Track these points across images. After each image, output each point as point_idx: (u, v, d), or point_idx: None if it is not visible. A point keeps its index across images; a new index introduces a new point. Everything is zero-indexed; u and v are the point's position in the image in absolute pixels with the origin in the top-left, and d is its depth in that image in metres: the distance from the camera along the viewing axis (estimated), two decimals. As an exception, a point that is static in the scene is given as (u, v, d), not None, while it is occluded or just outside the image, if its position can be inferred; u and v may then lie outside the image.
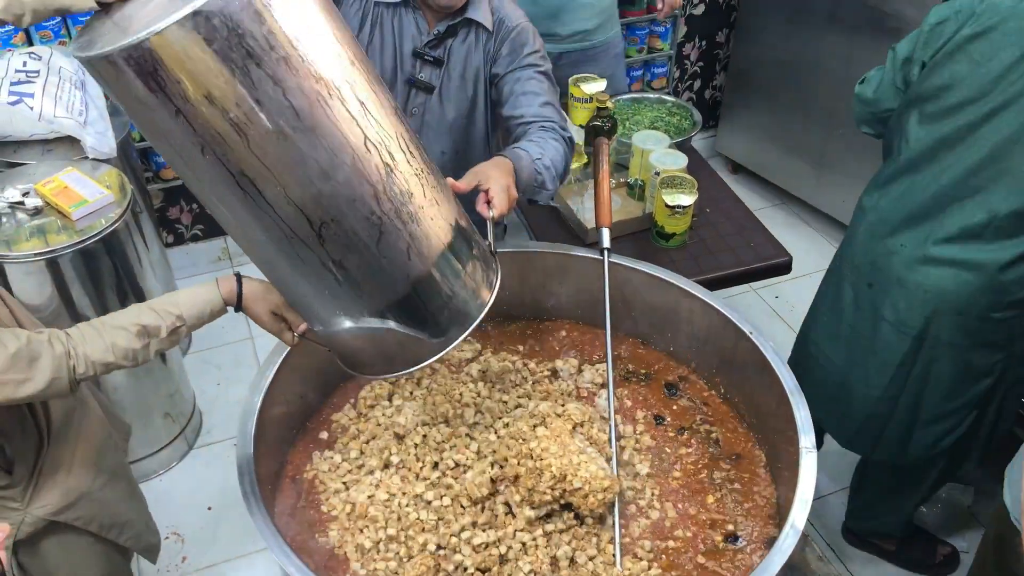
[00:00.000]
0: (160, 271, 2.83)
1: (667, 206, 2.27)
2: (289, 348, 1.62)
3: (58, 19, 2.69)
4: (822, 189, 3.58)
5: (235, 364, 3.08)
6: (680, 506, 1.56)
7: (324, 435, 1.72)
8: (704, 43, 3.79)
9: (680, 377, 1.86)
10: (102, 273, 2.29)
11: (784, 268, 2.39)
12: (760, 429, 1.68)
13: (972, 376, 1.96)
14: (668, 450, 1.67)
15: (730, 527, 1.52)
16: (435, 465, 1.58)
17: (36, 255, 2.15)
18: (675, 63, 3.74)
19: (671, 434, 1.71)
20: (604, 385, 1.78)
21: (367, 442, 1.66)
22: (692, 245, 2.36)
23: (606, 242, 1.86)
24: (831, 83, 3.36)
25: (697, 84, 3.91)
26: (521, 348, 1.94)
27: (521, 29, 1.90)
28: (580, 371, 1.85)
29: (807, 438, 1.45)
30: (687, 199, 2.25)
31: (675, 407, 1.78)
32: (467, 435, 1.62)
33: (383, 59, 1.88)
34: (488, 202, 1.55)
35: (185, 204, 3.30)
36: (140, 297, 2.43)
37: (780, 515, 1.52)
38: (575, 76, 2.70)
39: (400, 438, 1.64)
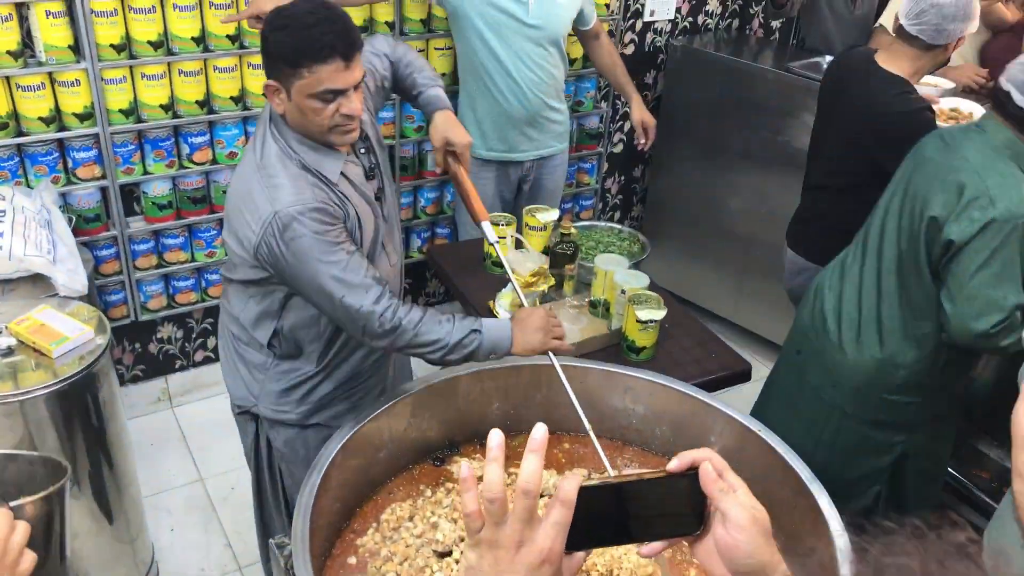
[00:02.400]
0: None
1: (639, 321, 2.43)
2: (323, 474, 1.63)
3: (16, 159, 2.67)
4: (742, 307, 3.87)
5: (186, 508, 2.95)
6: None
7: (352, 560, 1.71)
8: (623, 178, 4.10)
9: None
10: (76, 414, 2.21)
11: (745, 375, 2.56)
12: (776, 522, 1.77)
13: (871, 451, 2.20)
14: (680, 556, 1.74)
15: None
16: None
17: (11, 396, 2.06)
18: (599, 197, 4.02)
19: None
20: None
21: (401, 563, 1.65)
22: (659, 358, 2.52)
23: (492, 236, 1.98)
24: (746, 211, 3.71)
25: (617, 215, 4.20)
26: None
27: (370, 68, 2.01)
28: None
29: (836, 522, 1.57)
30: (658, 314, 2.42)
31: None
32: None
33: (364, 219, 1.87)
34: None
35: (128, 344, 3.22)
36: (106, 441, 2.33)
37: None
38: (529, 207, 2.89)
39: (442, 556, 1.64)
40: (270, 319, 1.90)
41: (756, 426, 1.81)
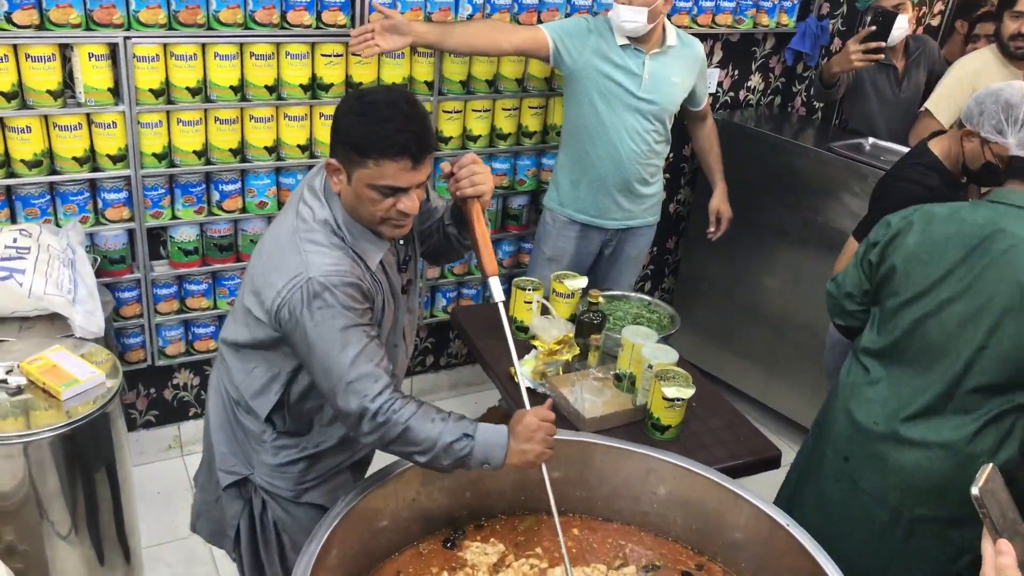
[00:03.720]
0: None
1: (665, 398, 2.33)
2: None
3: (47, 197, 2.67)
4: (772, 388, 3.75)
5: (187, 561, 2.85)
6: None
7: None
8: (656, 248, 4.04)
9: (697, 566, 1.83)
10: (80, 458, 2.15)
11: (774, 462, 2.45)
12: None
13: (953, 552, 2.04)
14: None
15: None
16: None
17: (15, 436, 2.01)
18: (631, 266, 3.96)
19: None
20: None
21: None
22: (684, 438, 2.41)
23: (498, 294, 1.81)
24: (779, 289, 3.62)
25: (648, 286, 4.13)
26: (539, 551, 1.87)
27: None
28: None
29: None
30: (686, 392, 2.33)
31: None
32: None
33: (390, 306, 1.83)
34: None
35: (143, 388, 3.17)
36: (108, 487, 2.27)
37: None
38: (557, 272, 2.83)
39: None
40: (276, 389, 1.82)
41: (784, 519, 1.70)
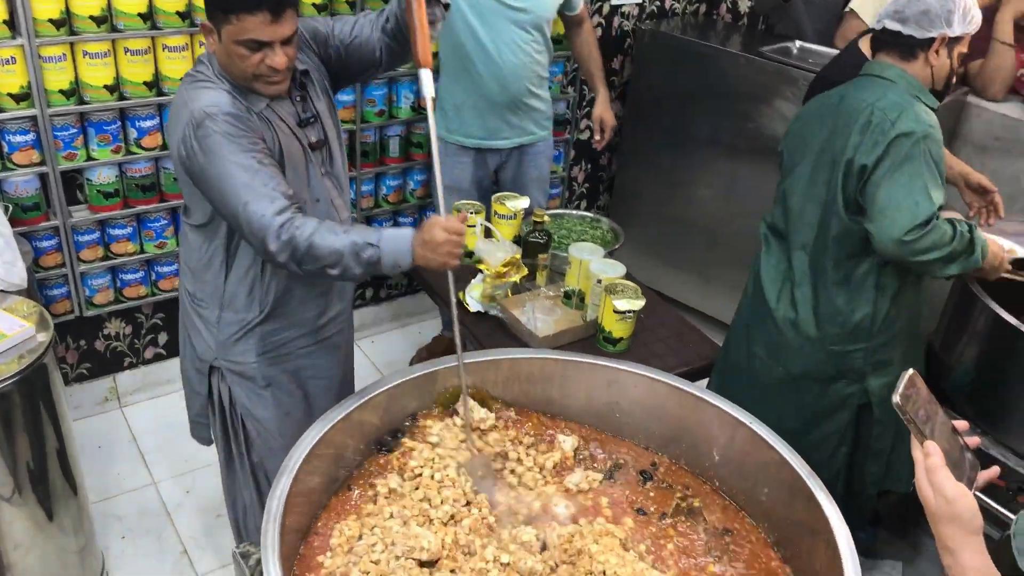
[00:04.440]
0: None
1: (616, 311, 2.34)
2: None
3: (-53, 145, 2.48)
4: (710, 296, 3.81)
5: (139, 514, 2.78)
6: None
7: (328, 559, 1.58)
8: (590, 166, 4.01)
9: (652, 464, 1.83)
10: (17, 416, 2.04)
11: (723, 366, 2.50)
12: (764, 517, 1.70)
13: (829, 408, 2.29)
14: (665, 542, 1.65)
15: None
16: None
17: (-56, 398, 1.90)
18: (566, 185, 3.93)
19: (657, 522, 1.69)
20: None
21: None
22: (635, 349, 2.43)
23: (428, 89, 1.79)
24: (714, 199, 3.64)
25: (584, 204, 4.11)
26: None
27: (320, 22, 2.03)
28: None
29: (835, 514, 1.49)
30: (637, 304, 2.33)
31: (652, 494, 1.76)
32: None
33: (292, 153, 1.89)
34: None
35: (72, 341, 3.04)
36: (49, 444, 2.17)
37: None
38: (498, 195, 2.79)
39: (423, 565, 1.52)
40: (217, 264, 1.95)
41: (748, 418, 1.73)
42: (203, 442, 2.29)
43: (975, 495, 1.23)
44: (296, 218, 1.72)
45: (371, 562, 1.48)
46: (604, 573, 1.44)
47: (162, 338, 3.23)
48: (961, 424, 1.32)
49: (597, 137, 3.27)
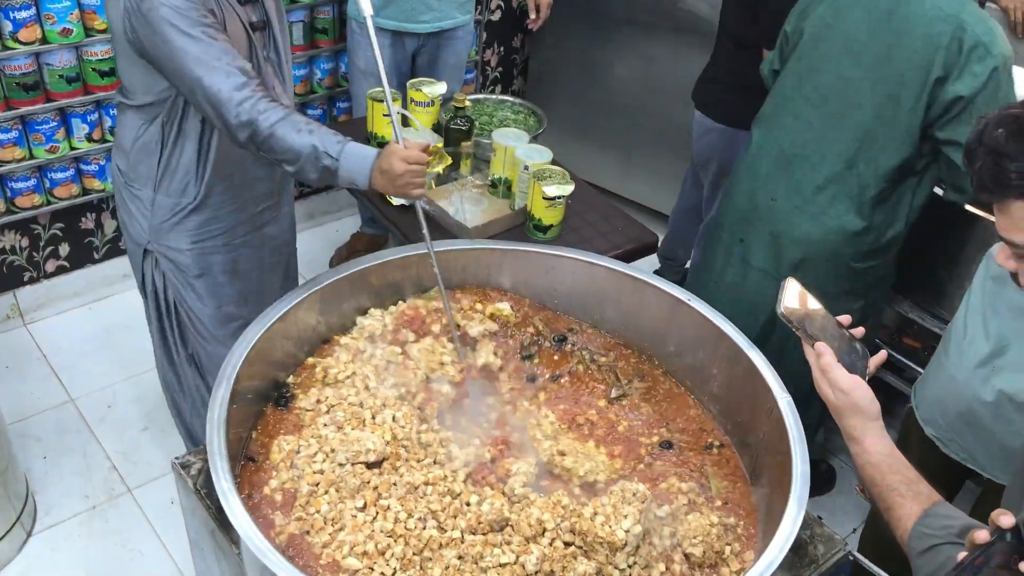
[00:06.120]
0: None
1: (546, 197, 2.30)
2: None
3: None
4: (630, 179, 3.80)
5: (59, 433, 2.68)
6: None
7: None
8: (502, 49, 3.89)
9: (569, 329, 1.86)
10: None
11: (652, 247, 2.51)
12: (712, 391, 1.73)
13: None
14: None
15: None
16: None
17: None
18: (479, 70, 3.81)
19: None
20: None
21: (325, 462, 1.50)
22: (565, 235, 2.42)
23: (367, 7, 1.70)
24: (632, 78, 3.58)
25: (498, 89, 4.00)
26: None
27: None
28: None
29: (777, 384, 1.53)
30: (567, 188, 2.30)
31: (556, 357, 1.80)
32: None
33: (234, 32, 1.79)
34: None
35: (-35, 258, 2.83)
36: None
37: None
38: (413, 80, 2.67)
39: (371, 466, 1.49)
40: (153, 144, 1.87)
41: (685, 295, 1.74)
42: None
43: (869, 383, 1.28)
44: (260, 101, 1.65)
45: (315, 472, 1.45)
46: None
47: (63, 250, 3.04)
48: (844, 318, 1.36)
49: (532, 16, 3.16)
